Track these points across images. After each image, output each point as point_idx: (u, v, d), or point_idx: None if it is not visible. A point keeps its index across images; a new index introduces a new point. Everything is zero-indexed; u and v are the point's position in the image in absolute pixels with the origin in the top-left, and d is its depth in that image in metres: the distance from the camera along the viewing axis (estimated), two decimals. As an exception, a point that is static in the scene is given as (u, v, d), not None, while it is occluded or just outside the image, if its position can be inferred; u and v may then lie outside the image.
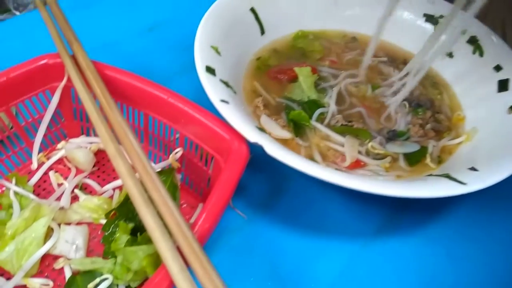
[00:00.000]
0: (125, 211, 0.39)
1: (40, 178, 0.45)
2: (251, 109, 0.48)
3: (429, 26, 0.59)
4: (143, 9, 0.70)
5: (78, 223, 0.41)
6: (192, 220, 0.42)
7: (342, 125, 0.47)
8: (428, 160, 0.45)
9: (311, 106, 0.48)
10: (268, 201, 0.47)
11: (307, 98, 0.49)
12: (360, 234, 0.45)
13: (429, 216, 0.47)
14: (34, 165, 0.45)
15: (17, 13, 0.77)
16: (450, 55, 0.56)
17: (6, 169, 0.44)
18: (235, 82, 0.47)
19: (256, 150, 0.38)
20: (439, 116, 0.50)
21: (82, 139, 0.48)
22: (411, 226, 0.46)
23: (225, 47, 0.47)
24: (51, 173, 0.45)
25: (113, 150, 0.34)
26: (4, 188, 0.42)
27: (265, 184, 0.48)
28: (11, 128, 0.44)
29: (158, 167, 0.44)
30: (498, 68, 0.51)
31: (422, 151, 0.46)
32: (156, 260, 0.34)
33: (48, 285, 0.37)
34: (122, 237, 0.36)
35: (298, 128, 0.46)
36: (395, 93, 0.51)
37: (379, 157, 0.45)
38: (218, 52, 0.46)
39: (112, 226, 0.39)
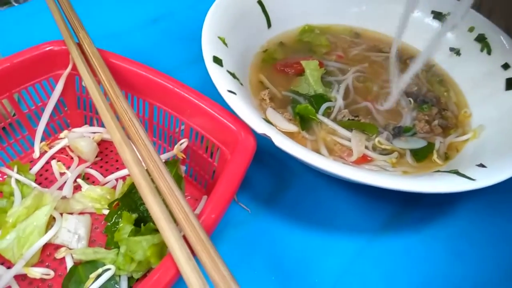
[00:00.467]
0: (128, 201, 0.38)
1: (42, 167, 0.44)
2: (257, 102, 0.47)
3: (436, 24, 0.58)
4: (149, 0, 0.70)
5: (81, 213, 0.40)
6: (196, 212, 0.42)
7: (348, 119, 0.47)
8: (435, 156, 0.45)
9: (318, 100, 0.48)
10: (272, 195, 0.46)
11: (314, 92, 0.49)
12: (365, 230, 0.44)
13: (435, 213, 0.46)
14: (36, 154, 0.45)
15: (17, 5, 0.77)
16: (458, 53, 0.56)
17: (7, 157, 0.43)
18: (242, 74, 0.47)
19: (261, 144, 0.37)
20: (446, 113, 0.50)
21: (85, 129, 0.47)
22: (417, 223, 0.45)
23: (232, 39, 0.47)
24: (53, 162, 0.44)
25: (119, 138, 0.34)
26: (5, 176, 0.41)
27: (270, 178, 0.47)
28: (14, 115, 0.44)
29: (163, 158, 0.43)
30: (506, 66, 0.51)
31: (429, 147, 0.45)
32: (161, 250, 0.34)
33: (49, 274, 0.36)
34: (125, 227, 0.36)
35: (304, 122, 0.46)
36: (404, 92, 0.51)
37: (385, 152, 0.45)
38: (225, 43, 0.46)
39: (115, 216, 0.38)
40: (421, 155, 0.44)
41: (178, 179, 0.39)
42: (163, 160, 0.40)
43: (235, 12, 0.50)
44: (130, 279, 0.36)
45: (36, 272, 0.36)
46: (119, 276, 0.36)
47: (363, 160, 0.44)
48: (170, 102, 0.41)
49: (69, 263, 0.37)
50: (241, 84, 0.44)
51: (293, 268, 0.41)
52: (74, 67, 0.42)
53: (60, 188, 0.42)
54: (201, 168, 0.43)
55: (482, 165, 0.39)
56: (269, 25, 0.55)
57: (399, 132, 0.47)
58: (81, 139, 0.44)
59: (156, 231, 0.34)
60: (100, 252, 0.37)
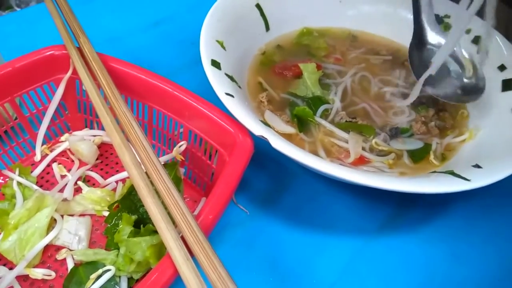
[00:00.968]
0: (128, 203, 0.39)
1: (43, 170, 0.45)
2: (255, 104, 0.48)
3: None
4: (149, 4, 0.71)
5: (81, 215, 0.41)
6: (194, 214, 0.42)
7: (346, 121, 0.47)
8: (432, 157, 0.45)
9: (316, 102, 0.48)
10: (270, 197, 0.46)
11: (312, 94, 0.49)
12: (363, 231, 0.45)
13: (432, 214, 0.46)
14: (38, 157, 0.45)
15: (18, 9, 0.78)
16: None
17: (9, 160, 0.44)
18: (240, 77, 0.48)
19: (259, 146, 0.38)
20: (444, 114, 0.50)
21: (85, 132, 0.48)
22: (414, 223, 0.46)
23: (230, 42, 0.48)
24: (54, 165, 0.45)
25: (118, 141, 0.34)
26: (7, 179, 0.42)
27: (268, 180, 0.48)
28: (16, 119, 0.44)
29: (162, 160, 0.43)
30: (502, 67, 0.51)
31: (426, 148, 0.46)
32: (160, 251, 0.34)
33: (50, 275, 0.37)
34: (125, 229, 0.36)
35: (302, 124, 0.46)
36: (403, 95, 0.52)
37: (383, 153, 0.45)
38: (223, 47, 0.46)
39: (115, 218, 0.39)
40: (418, 156, 0.45)
41: (177, 181, 0.39)
42: (162, 163, 0.41)
43: (233, 16, 0.50)
44: (130, 279, 0.37)
45: (38, 273, 0.36)
46: (119, 276, 0.36)
47: (360, 162, 0.44)
48: (169, 105, 0.42)
49: (70, 264, 0.38)
50: (239, 87, 0.45)
51: (291, 269, 0.41)
52: (75, 71, 0.42)
53: (61, 190, 0.42)
54: (200, 170, 0.43)
55: (477, 166, 0.40)
56: (267, 28, 0.55)
57: (396, 133, 0.47)
58: (82, 142, 0.45)
59: (155, 232, 0.35)
60: (100, 253, 0.37)
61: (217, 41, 0.46)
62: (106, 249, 0.38)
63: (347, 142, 0.45)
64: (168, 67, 0.58)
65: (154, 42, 0.64)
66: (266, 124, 0.43)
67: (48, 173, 0.45)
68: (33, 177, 0.43)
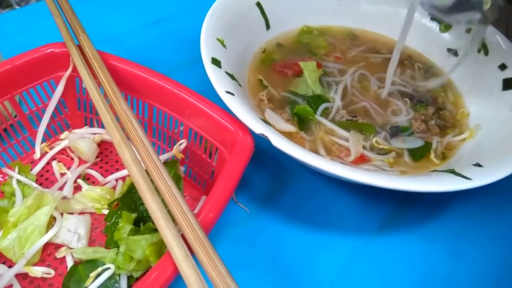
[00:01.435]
0: (128, 201, 0.39)
1: (43, 168, 0.44)
2: (255, 103, 0.48)
3: (434, 25, 0.59)
4: (149, 2, 0.70)
5: (81, 213, 0.41)
6: (194, 212, 0.42)
7: (346, 120, 0.47)
8: (432, 156, 0.45)
9: (316, 100, 0.48)
10: (271, 195, 0.46)
11: (312, 93, 0.49)
12: (363, 229, 0.44)
13: (432, 213, 0.46)
14: (37, 155, 0.45)
15: (18, 7, 0.78)
16: (455, 53, 0.56)
17: (9, 157, 0.44)
18: (240, 75, 0.47)
19: (259, 144, 0.38)
20: (444, 113, 0.50)
21: (85, 130, 0.48)
22: (414, 222, 0.46)
23: (230, 40, 0.47)
24: (54, 163, 0.45)
25: (118, 138, 0.34)
26: (7, 177, 0.42)
27: (268, 178, 0.48)
28: (15, 116, 0.44)
29: (162, 158, 0.43)
30: (503, 66, 0.51)
31: (427, 147, 0.46)
32: (160, 249, 0.34)
33: (49, 273, 0.37)
34: (125, 227, 0.36)
35: (302, 122, 0.46)
36: (401, 93, 0.52)
37: (383, 152, 0.45)
38: (223, 45, 0.46)
39: (115, 216, 0.39)
40: (419, 155, 0.45)
41: (177, 179, 0.39)
42: (163, 161, 0.41)
43: (234, 14, 0.50)
44: (129, 278, 0.36)
45: (37, 271, 0.36)
46: (119, 275, 0.36)
47: (361, 160, 0.44)
48: (169, 103, 0.42)
49: (70, 262, 0.37)
50: (240, 85, 0.45)
51: (291, 267, 0.41)
52: (75, 69, 0.42)
53: (61, 188, 0.42)
54: (200, 168, 0.43)
55: (478, 165, 0.40)
56: (267, 26, 0.55)
57: (396, 132, 0.47)
58: (81, 140, 0.45)
59: (155, 230, 0.35)
60: (100, 251, 0.37)
61: (218, 39, 0.46)
62: (105, 247, 0.38)
63: (347, 141, 0.45)
64: (168, 65, 0.57)
65: (154, 40, 0.64)
66: (266, 122, 0.43)
67: (47, 171, 0.44)
68: (32, 175, 0.43)
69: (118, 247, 0.37)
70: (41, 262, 0.38)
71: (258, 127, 0.37)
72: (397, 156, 0.45)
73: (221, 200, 0.33)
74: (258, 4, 0.54)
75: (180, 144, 0.42)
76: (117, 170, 0.45)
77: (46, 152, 0.45)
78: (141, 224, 0.36)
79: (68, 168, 0.44)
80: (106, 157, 0.47)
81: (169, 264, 0.28)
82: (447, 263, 0.42)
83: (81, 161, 0.46)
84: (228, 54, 0.46)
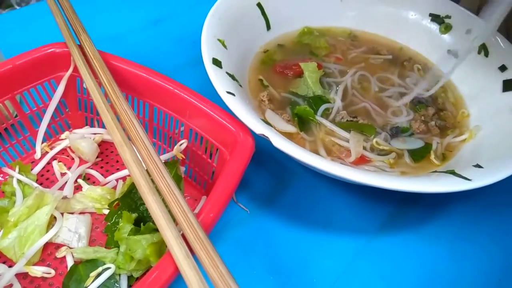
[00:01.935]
0: (128, 201, 0.39)
1: (43, 168, 0.44)
2: (256, 103, 0.48)
3: (434, 26, 0.59)
4: (149, 2, 0.71)
5: (81, 213, 0.41)
6: (195, 212, 0.42)
7: (347, 120, 0.47)
8: (432, 156, 0.45)
9: (316, 101, 0.48)
10: (271, 195, 0.46)
11: (312, 94, 0.49)
12: (363, 230, 0.44)
13: (432, 213, 0.46)
14: (38, 155, 0.45)
15: (18, 8, 0.78)
16: (456, 54, 0.56)
17: (9, 157, 0.44)
18: (241, 76, 0.47)
19: (259, 145, 0.38)
20: (444, 113, 0.51)
21: (86, 130, 0.48)
22: (415, 222, 0.46)
23: (231, 41, 0.48)
24: (54, 163, 0.45)
25: (119, 138, 0.34)
26: (7, 177, 0.42)
27: (268, 179, 0.48)
28: (16, 116, 0.44)
29: (162, 158, 0.43)
30: (503, 68, 0.51)
31: (427, 148, 0.46)
32: (160, 249, 0.34)
33: (50, 273, 0.37)
34: (125, 227, 0.36)
35: (303, 123, 0.46)
36: (401, 94, 0.52)
37: (383, 153, 0.45)
38: (224, 46, 0.46)
39: (115, 216, 0.39)
40: (419, 156, 0.45)
41: (177, 180, 0.39)
42: (163, 161, 0.41)
43: (235, 15, 0.50)
44: (130, 278, 0.36)
45: (37, 271, 0.36)
46: (119, 275, 0.36)
47: (361, 161, 0.44)
48: (170, 103, 0.42)
49: (70, 262, 0.37)
50: (240, 86, 0.45)
51: (291, 268, 0.41)
52: (75, 69, 0.42)
53: (61, 188, 0.42)
54: (201, 168, 0.43)
55: (478, 166, 0.40)
56: (268, 27, 0.55)
57: (396, 133, 0.47)
58: (82, 140, 0.45)
59: (155, 230, 0.35)
60: (100, 251, 0.37)
61: (219, 39, 0.46)
62: (106, 247, 0.38)
63: (348, 142, 0.45)
64: (168, 66, 0.58)
65: (155, 41, 0.64)
66: (267, 123, 0.43)
67: (48, 171, 0.44)
68: (33, 174, 0.43)
69: (118, 247, 0.37)
70: (41, 261, 0.38)
71: (259, 128, 0.37)
72: (397, 157, 0.45)
73: (222, 200, 0.33)
74: (259, 5, 0.54)
75: (181, 145, 0.42)
76: (118, 170, 0.45)
77: (47, 152, 0.45)
78: (142, 224, 0.36)
79: (69, 168, 0.44)
80: (107, 157, 0.47)
81: (169, 264, 0.28)
82: (448, 263, 0.42)
83: (82, 161, 0.46)
84: (229, 54, 0.46)
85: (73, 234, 0.39)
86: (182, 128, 0.43)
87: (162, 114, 0.43)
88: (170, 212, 0.30)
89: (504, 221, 0.46)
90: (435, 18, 0.59)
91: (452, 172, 0.39)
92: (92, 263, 0.37)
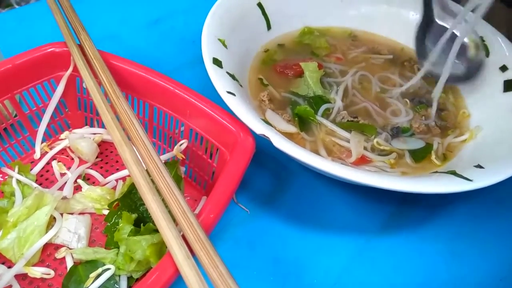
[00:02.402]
0: (128, 202, 0.39)
1: (43, 168, 0.44)
2: (256, 103, 0.48)
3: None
4: (149, 1, 0.70)
5: (81, 213, 0.41)
6: (195, 212, 0.42)
7: (347, 121, 0.47)
8: (433, 157, 0.45)
9: (317, 101, 0.48)
10: (271, 196, 0.46)
11: (313, 94, 0.49)
12: (364, 230, 0.44)
13: (433, 214, 0.46)
14: (37, 155, 0.45)
15: (18, 7, 0.77)
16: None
17: (8, 157, 0.44)
18: (241, 76, 0.47)
19: (260, 145, 0.38)
20: (444, 114, 0.50)
21: (85, 130, 0.47)
22: (415, 223, 0.45)
23: (231, 41, 0.47)
24: (54, 163, 0.44)
25: (119, 138, 0.34)
26: (6, 177, 0.42)
27: (269, 179, 0.48)
28: (15, 116, 0.44)
29: (162, 158, 0.43)
30: (504, 68, 0.51)
31: (428, 148, 0.46)
32: (160, 250, 0.34)
33: (49, 274, 0.36)
34: (125, 227, 0.36)
35: (303, 123, 0.46)
36: (402, 95, 0.52)
37: (384, 153, 0.45)
38: (225, 45, 0.46)
39: (115, 216, 0.39)
40: (420, 156, 0.45)
41: (177, 180, 0.39)
42: (163, 161, 0.41)
43: (235, 14, 0.50)
44: (129, 279, 0.36)
45: (37, 272, 0.36)
46: (119, 275, 0.36)
47: (362, 161, 0.44)
48: (170, 103, 0.42)
49: (69, 263, 0.37)
50: (241, 86, 0.45)
51: (291, 268, 0.41)
52: (75, 69, 0.42)
53: (61, 188, 0.42)
54: (201, 169, 0.43)
55: (479, 166, 0.40)
56: (268, 27, 0.55)
57: (397, 133, 0.47)
58: (82, 140, 0.45)
59: (155, 231, 0.35)
60: (100, 252, 0.37)
61: (219, 39, 0.46)
62: (105, 248, 0.38)
63: (348, 142, 0.45)
64: (168, 66, 0.57)
65: (155, 40, 0.64)
66: (267, 123, 0.43)
67: (47, 171, 0.44)
68: (32, 175, 0.43)
69: (118, 247, 0.36)
70: (40, 262, 0.38)
71: (259, 128, 0.37)
72: (398, 157, 0.45)
73: (222, 201, 0.33)
74: (259, 5, 0.54)
75: (181, 145, 0.42)
76: (117, 170, 0.45)
77: (46, 152, 0.45)
78: (142, 224, 0.36)
79: (68, 168, 0.44)
80: (106, 157, 0.47)
81: (169, 265, 0.28)
82: (449, 264, 0.42)
83: (81, 161, 0.45)
84: (229, 54, 0.46)
85: (72, 235, 0.38)
86: (182, 128, 0.42)
87: (162, 114, 0.43)
88: (170, 212, 0.30)
89: (506, 221, 0.46)
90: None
91: (453, 173, 0.39)
92: (92, 264, 0.36)
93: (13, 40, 0.59)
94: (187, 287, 0.27)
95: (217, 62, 0.42)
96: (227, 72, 0.43)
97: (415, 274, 0.41)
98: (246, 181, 0.46)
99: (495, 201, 0.47)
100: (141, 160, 0.33)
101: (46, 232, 0.38)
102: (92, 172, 0.44)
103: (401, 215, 0.46)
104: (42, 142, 0.46)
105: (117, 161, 0.46)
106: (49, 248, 0.38)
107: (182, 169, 0.44)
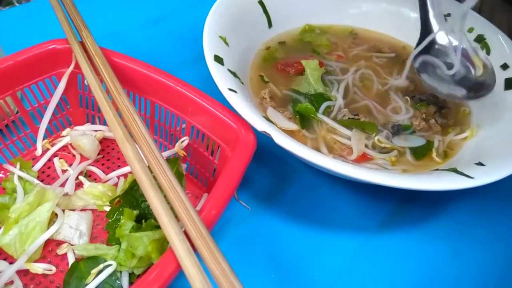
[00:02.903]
0: (129, 198, 0.39)
1: (45, 165, 0.44)
2: (258, 101, 0.48)
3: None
4: (151, 0, 0.70)
5: (82, 210, 0.41)
6: (197, 209, 0.42)
7: (348, 118, 0.47)
8: (434, 154, 0.45)
9: (318, 99, 0.48)
10: (272, 193, 0.46)
11: (314, 91, 0.49)
12: (364, 227, 0.44)
13: (433, 211, 0.46)
14: (39, 151, 0.45)
15: (19, 5, 0.77)
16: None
17: (10, 154, 0.44)
18: (242, 73, 0.47)
19: (261, 142, 0.38)
20: (445, 111, 0.50)
21: (87, 127, 0.47)
22: (416, 220, 0.46)
23: (233, 38, 0.47)
24: (55, 160, 0.44)
25: (120, 134, 0.34)
26: (8, 173, 0.42)
27: (270, 176, 0.48)
28: (17, 113, 0.44)
29: (164, 155, 0.43)
30: (505, 66, 0.51)
31: (429, 146, 0.46)
32: (162, 246, 0.34)
33: (51, 270, 0.37)
34: (127, 224, 0.36)
35: (304, 120, 0.46)
36: (402, 92, 0.52)
37: (385, 151, 0.45)
38: (226, 43, 0.46)
39: (117, 213, 0.39)
40: (421, 153, 0.45)
41: (179, 177, 0.39)
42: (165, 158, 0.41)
43: (236, 12, 0.50)
44: (131, 275, 0.36)
45: (38, 268, 0.36)
46: (120, 272, 0.36)
47: (363, 159, 0.44)
48: (171, 100, 0.42)
49: (71, 259, 0.37)
50: (242, 83, 0.45)
51: (292, 265, 0.41)
52: (77, 66, 0.42)
53: (62, 185, 0.42)
54: (202, 166, 0.43)
55: (480, 164, 0.40)
56: (270, 25, 0.55)
57: (398, 130, 0.47)
58: (83, 136, 0.45)
59: (157, 227, 0.35)
60: (101, 248, 0.37)
61: (220, 37, 0.46)
62: (107, 244, 0.38)
63: (349, 139, 0.45)
64: (170, 63, 0.57)
65: (157, 38, 0.64)
66: (268, 120, 0.43)
67: (49, 167, 0.44)
68: (34, 171, 0.43)
69: (119, 244, 0.37)
70: (42, 258, 0.38)
71: (260, 125, 0.37)
72: (399, 155, 0.45)
73: (224, 197, 0.33)
74: (261, 2, 0.54)
75: (182, 142, 0.42)
76: (119, 167, 0.45)
77: (48, 149, 0.45)
78: (143, 221, 0.36)
79: (70, 165, 0.44)
80: (108, 154, 0.47)
81: (171, 261, 0.28)
82: (449, 261, 0.42)
83: (83, 158, 0.45)
84: (231, 51, 0.46)
85: (74, 231, 0.38)
86: (183, 125, 0.43)
87: (164, 111, 0.43)
88: (172, 209, 0.30)
89: (506, 219, 0.46)
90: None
91: (454, 170, 0.39)
92: (93, 260, 0.37)
93: (14, 38, 0.59)
94: (188, 283, 0.27)
95: (218, 60, 0.42)
96: (229, 70, 0.43)
97: (414, 272, 0.41)
98: (247, 178, 0.46)
99: (496, 198, 0.47)
100: (143, 157, 0.33)
101: (48, 228, 0.38)
102: (94, 169, 0.44)
103: (401, 213, 0.46)
104: (43, 139, 0.46)
105: (118, 158, 0.46)
106: (51, 244, 0.38)
107: (184, 166, 0.44)
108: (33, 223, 0.37)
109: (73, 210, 0.40)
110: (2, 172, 0.43)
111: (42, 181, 0.43)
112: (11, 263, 0.36)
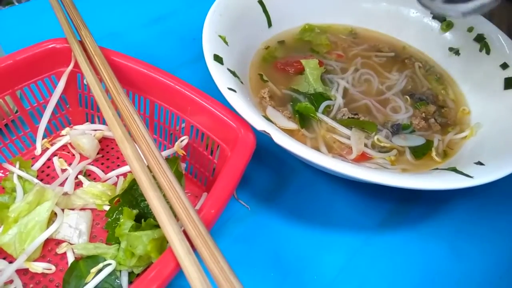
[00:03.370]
0: (129, 198, 0.39)
1: (44, 164, 0.44)
2: (257, 100, 0.48)
3: (435, 24, 0.59)
4: (150, -1, 0.70)
5: (82, 209, 0.41)
6: (196, 209, 0.42)
7: (348, 117, 0.47)
8: (434, 154, 0.45)
9: (318, 98, 0.48)
10: (272, 192, 0.46)
11: (314, 91, 0.49)
12: (364, 227, 0.44)
13: (433, 211, 0.46)
14: (38, 151, 0.45)
15: (18, 4, 0.77)
16: (457, 52, 0.56)
17: (10, 153, 0.44)
18: (242, 72, 0.47)
19: (260, 142, 0.38)
20: (444, 110, 0.51)
21: (86, 126, 0.47)
22: (415, 220, 0.46)
23: (232, 38, 0.47)
24: (55, 159, 0.44)
25: (120, 134, 0.34)
26: (7, 172, 0.42)
27: (269, 176, 0.48)
28: (16, 112, 0.44)
29: (163, 155, 0.43)
30: (504, 65, 0.51)
31: (428, 145, 0.46)
32: (161, 245, 0.34)
33: (50, 269, 0.37)
34: (126, 223, 0.36)
35: (304, 120, 0.46)
36: (402, 92, 0.52)
37: (385, 150, 0.45)
38: (225, 42, 0.46)
39: (116, 212, 0.39)
40: (420, 153, 0.45)
41: (178, 176, 0.39)
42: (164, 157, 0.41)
43: (236, 11, 0.50)
44: (130, 274, 0.36)
45: (38, 267, 0.36)
46: (120, 271, 0.36)
47: (362, 158, 0.44)
48: (171, 100, 0.42)
49: (70, 258, 0.37)
50: (241, 82, 0.45)
51: (291, 264, 0.41)
52: (76, 65, 0.42)
53: (62, 184, 0.42)
54: (201, 165, 0.43)
55: (480, 163, 0.40)
56: (269, 24, 0.55)
57: (397, 130, 0.47)
58: (83, 136, 0.45)
59: (156, 226, 0.35)
60: (101, 247, 0.37)
61: (220, 36, 0.46)
62: (107, 243, 0.38)
63: (349, 139, 0.45)
64: (169, 63, 0.57)
65: (156, 37, 0.64)
66: (268, 119, 0.43)
67: (48, 167, 0.44)
68: (33, 170, 0.43)
69: (119, 243, 0.37)
70: (41, 257, 0.38)
71: (260, 124, 0.37)
72: (398, 154, 0.45)
73: (223, 197, 0.33)
74: (260, 2, 0.54)
75: (182, 141, 0.42)
76: (118, 166, 0.45)
77: (47, 148, 0.45)
78: (142, 220, 0.36)
79: (69, 164, 0.44)
80: (107, 153, 0.47)
81: (170, 260, 0.28)
82: (448, 261, 0.42)
83: (82, 157, 0.45)
84: (230, 51, 0.46)
85: (73, 230, 0.38)
86: (183, 125, 0.42)
87: (163, 110, 0.43)
88: (171, 208, 0.30)
89: (506, 219, 0.46)
90: (436, 16, 0.58)
91: (454, 169, 0.39)
92: (93, 259, 0.37)
93: (14, 37, 0.59)
94: (188, 282, 0.27)
95: (218, 59, 0.42)
96: (228, 69, 0.43)
97: (414, 271, 0.42)
98: (246, 177, 0.46)
99: (495, 198, 0.47)
100: (142, 156, 0.33)
101: (47, 227, 0.38)
102: (93, 168, 0.44)
103: (400, 212, 0.46)
104: (43, 138, 0.45)
105: (118, 157, 0.46)
106: (50, 244, 0.39)
107: (183, 165, 0.44)
108: (32, 222, 0.37)
109: (73, 209, 0.40)
110: (2, 171, 0.43)
111: (41, 180, 0.42)
112: (10, 262, 0.36)
